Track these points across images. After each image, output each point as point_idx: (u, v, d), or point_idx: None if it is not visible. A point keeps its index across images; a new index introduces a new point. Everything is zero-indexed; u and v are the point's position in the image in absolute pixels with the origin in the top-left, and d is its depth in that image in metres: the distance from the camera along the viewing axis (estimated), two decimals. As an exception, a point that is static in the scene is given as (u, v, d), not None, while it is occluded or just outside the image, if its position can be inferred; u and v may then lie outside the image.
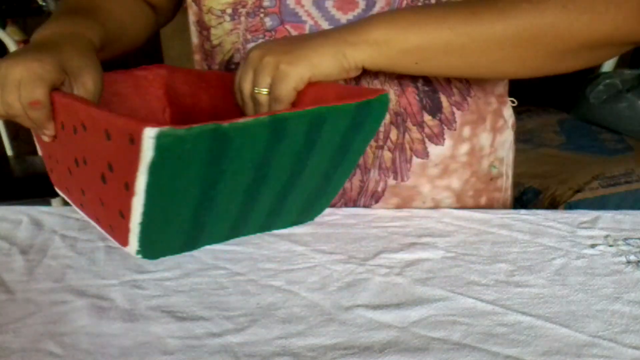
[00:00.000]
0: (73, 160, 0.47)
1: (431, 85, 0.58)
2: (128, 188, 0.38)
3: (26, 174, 1.45)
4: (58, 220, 0.58)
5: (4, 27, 1.97)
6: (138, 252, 0.42)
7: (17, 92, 0.46)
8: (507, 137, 0.67)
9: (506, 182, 0.69)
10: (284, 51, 0.49)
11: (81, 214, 0.51)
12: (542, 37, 0.47)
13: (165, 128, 0.34)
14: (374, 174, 0.62)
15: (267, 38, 0.58)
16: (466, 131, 0.62)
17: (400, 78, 0.58)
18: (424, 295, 0.44)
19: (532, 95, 1.67)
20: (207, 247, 0.52)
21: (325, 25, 0.56)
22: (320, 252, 0.51)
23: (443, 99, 0.59)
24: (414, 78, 0.58)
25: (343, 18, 0.56)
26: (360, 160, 0.60)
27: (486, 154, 0.64)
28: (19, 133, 1.90)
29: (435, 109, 0.59)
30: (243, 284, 0.47)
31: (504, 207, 0.69)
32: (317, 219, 0.55)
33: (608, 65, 1.89)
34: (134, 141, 0.35)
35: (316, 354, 0.38)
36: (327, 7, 0.56)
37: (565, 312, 0.42)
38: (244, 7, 0.58)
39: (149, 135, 0.34)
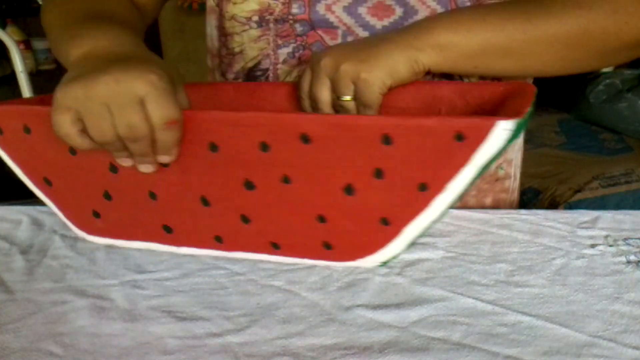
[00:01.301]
0: (221, 188, 0.42)
1: None
2: (426, 188, 0.39)
3: (26, 174, 1.45)
4: (58, 220, 0.58)
5: (4, 27, 1.97)
6: (383, 263, 0.43)
7: (142, 111, 0.39)
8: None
9: (513, 184, 0.69)
10: (360, 59, 0.49)
11: (185, 250, 0.49)
12: (592, 40, 0.50)
13: (517, 119, 0.36)
14: None
15: (299, 43, 0.58)
16: None
17: None
18: (424, 295, 0.44)
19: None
20: (207, 247, 0.53)
21: (359, 31, 0.56)
22: (320, 252, 0.51)
23: None
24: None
25: (378, 24, 0.56)
26: None
27: None
28: (19, 133, 1.89)
29: None
30: (243, 284, 0.47)
31: (510, 208, 0.69)
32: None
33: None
34: (463, 137, 0.36)
35: (316, 354, 0.38)
36: (361, 14, 0.56)
37: (565, 312, 0.42)
38: (271, 14, 0.57)
39: (504, 127, 0.35)
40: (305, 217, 0.43)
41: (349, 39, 0.57)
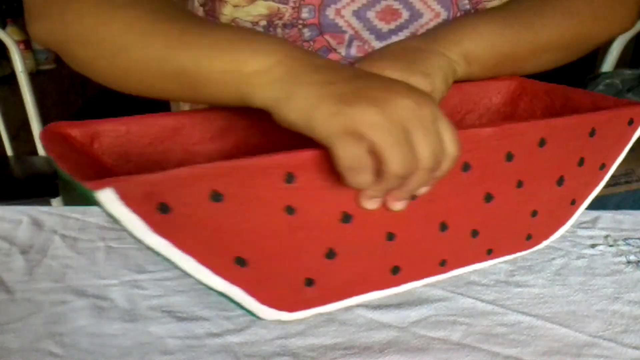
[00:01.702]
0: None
1: None
2: (604, 167, 0.45)
3: (26, 174, 1.45)
4: (58, 220, 0.58)
5: (4, 27, 1.97)
6: None
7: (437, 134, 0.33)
8: None
9: None
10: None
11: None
12: (580, 42, 0.56)
13: None
14: None
15: (305, 48, 0.57)
16: None
17: None
18: (423, 295, 0.44)
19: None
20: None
21: (366, 35, 0.56)
22: (320, 252, 0.51)
23: None
24: None
25: (385, 27, 0.56)
26: None
27: None
28: (19, 133, 1.90)
29: None
30: (243, 284, 0.47)
31: None
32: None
33: (608, 65, 1.89)
34: (632, 122, 0.44)
35: (316, 354, 0.38)
36: (369, 18, 0.56)
37: (565, 312, 0.42)
38: (280, 19, 0.56)
39: None
40: (523, 215, 0.44)
41: (355, 43, 0.57)
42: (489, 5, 0.57)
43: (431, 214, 0.39)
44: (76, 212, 0.59)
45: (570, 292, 0.45)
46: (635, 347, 0.38)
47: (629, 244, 0.51)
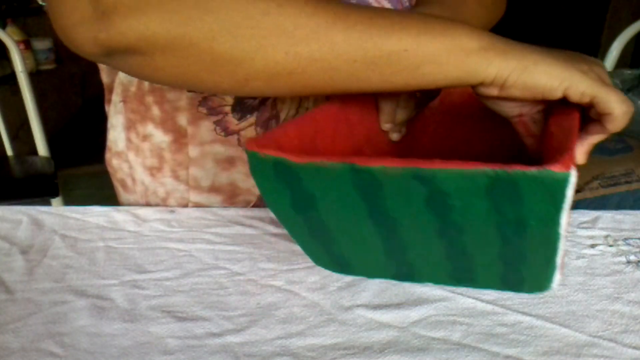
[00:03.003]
0: None
1: None
2: None
3: (26, 174, 1.45)
4: (58, 220, 0.58)
5: (4, 27, 1.97)
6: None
7: None
8: None
9: None
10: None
11: None
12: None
13: None
14: None
15: None
16: None
17: None
18: (424, 295, 0.44)
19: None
20: (207, 246, 0.53)
21: None
22: (320, 252, 0.51)
23: None
24: None
25: None
26: None
27: None
28: (19, 133, 1.90)
29: None
30: (243, 284, 0.47)
31: None
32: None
33: (608, 65, 1.89)
34: None
35: (316, 354, 0.38)
36: None
37: (565, 312, 0.42)
38: None
39: None
40: None
41: None
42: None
43: None
44: (76, 212, 0.59)
45: (570, 292, 0.45)
46: (635, 347, 0.38)
47: (629, 244, 0.51)
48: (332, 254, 0.45)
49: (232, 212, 0.59)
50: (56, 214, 0.59)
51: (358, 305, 0.43)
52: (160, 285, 0.47)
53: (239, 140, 0.62)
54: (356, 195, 0.37)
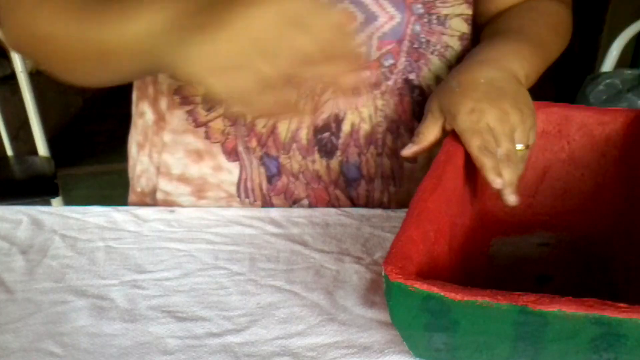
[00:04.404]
0: None
1: (424, 95, 0.60)
2: None
3: (26, 174, 1.45)
4: (58, 220, 0.58)
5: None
6: None
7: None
8: None
9: None
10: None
11: None
12: (553, 58, 0.61)
13: None
14: (378, 184, 0.62)
15: None
16: None
17: (402, 89, 0.59)
18: (424, 295, 0.44)
19: (532, 95, 1.66)
20: (207, 246, 0.53)
21: None
22: (320, 252, 0.51)
23: None
24: (411, 89, 0.59)
25: None
26: (364, 171, 0.61)
27: None
28: (19, 133, 1.90)
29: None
30: (243, 284, 0.47)
31: None
32: (317, 219, 0.55)
33: (608, 65, 1.89)
34: None
35: (316, 354, 0.38)
36: None
37: (565, 312, 0.42)
38: None
39: None
40: None
41: None
42: (444, 11, 0.58)
43: None
44: (76, 212, 0.59)
45: (570, 292, 0.45)
46: (635, 347, 0.38)
47: (629, 244, 0.51)
48: None
49: (232, 212, 0.59)
50: (56, 214, 0.59)
51: (358, 305, 0.43)
52: (160, 285, 0.47)
53: (206, 133, 0.61)
54: (512, 331, 0.33)
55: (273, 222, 0.56)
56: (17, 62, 1.43)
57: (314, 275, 0.48)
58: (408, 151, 0.50)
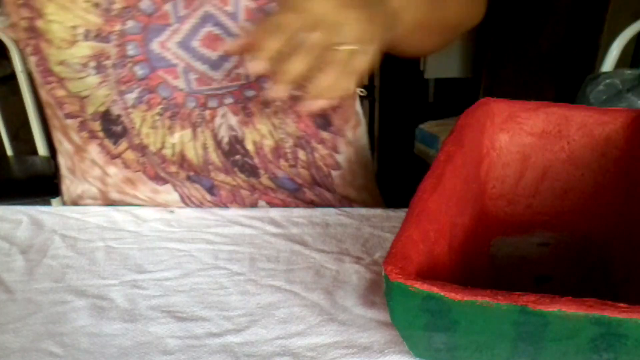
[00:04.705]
0: None
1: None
2: None
3: (26, 174, 1.45)
4: (58, 220, 0.58)
5: (4, 27, 1.96)
6: None
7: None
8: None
9: None
10: None
11: None
12: (462, 26, 0.63)
13: None
14: (320, 189, 0.63)
15: (142, 87, 0.55)
16: (350, 134, 0.63)
17: (292, 105, 0.58)
18: (424, 295, 0.44)
19: (532, 95, 1.66)
20: (207, 246, 0.53)
21: (198, 65, 0.54)
22: (320, 252, 0.51)
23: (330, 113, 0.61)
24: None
25: (214, 55, 0.54)
26: (299, 180, 0.61)
27: None
28: (19, 133, 1.90)
29: (326, 125, 0.61)
30: (243, 284, 0.47)
31: None
32: (317, 218, 0.56)
33: (608, 65, 1.89)
34: None
35: (316, 354, 0.38)
36: (195, 47, 0.54)
37: (565, 312, 0.42)
38: (108, 59, 0.54)
39: None
40: None
41: (190, 75, 0.55)
42: None
43: None
44: (76, 212, 0.59)
45: (570, 292, 0.45)
46: (635, 347, 0.38)
47: None
48: None
49: (232, 212, 0.59)
50: (56, 214, 0.59)
51: (358, 305, 0.43)
52: (160, 285, 0.47)
53: (124, 163, 0.60)
54: (512, 331, 0.33)
55: (273, 222, 0.56)
56: (17, 62, 1.43)
57: (314, 275, 0.48)
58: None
